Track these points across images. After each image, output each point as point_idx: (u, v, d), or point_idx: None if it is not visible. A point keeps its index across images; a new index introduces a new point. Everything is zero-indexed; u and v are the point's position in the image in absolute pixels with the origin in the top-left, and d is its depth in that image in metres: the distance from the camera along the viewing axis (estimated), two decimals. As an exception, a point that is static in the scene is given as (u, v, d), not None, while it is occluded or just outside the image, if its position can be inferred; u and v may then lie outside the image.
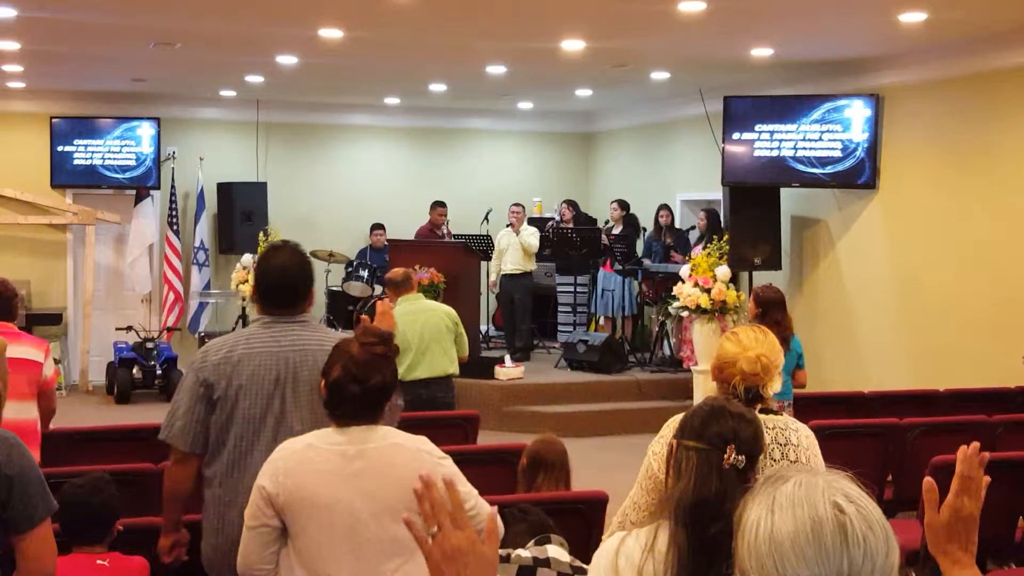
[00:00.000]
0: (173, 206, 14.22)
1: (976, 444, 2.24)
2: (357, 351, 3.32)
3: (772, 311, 7.38)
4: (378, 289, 12.86)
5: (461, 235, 13.75)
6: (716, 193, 12.63)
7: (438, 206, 13.49)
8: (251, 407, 3.85)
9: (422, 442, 3.32)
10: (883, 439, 6.85)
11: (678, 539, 2.48)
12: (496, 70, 11.65)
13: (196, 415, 3.89)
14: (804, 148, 10.98)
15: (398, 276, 8.12)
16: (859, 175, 10.75)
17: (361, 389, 3.26)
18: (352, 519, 3.18)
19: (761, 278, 11.15)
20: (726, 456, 2.52)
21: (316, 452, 3.24)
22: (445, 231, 13.56)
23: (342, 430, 3.28)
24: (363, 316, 4.50)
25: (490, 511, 2.03)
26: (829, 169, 10.89)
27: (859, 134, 10.71)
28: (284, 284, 4.00)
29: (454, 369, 8.03)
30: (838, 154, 10.83)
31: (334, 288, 13.96)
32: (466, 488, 3.28)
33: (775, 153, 11.14)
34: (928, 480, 2.13)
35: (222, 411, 3.88)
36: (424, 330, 7.75)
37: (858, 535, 1.59)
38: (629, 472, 3.88)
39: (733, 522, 2.45)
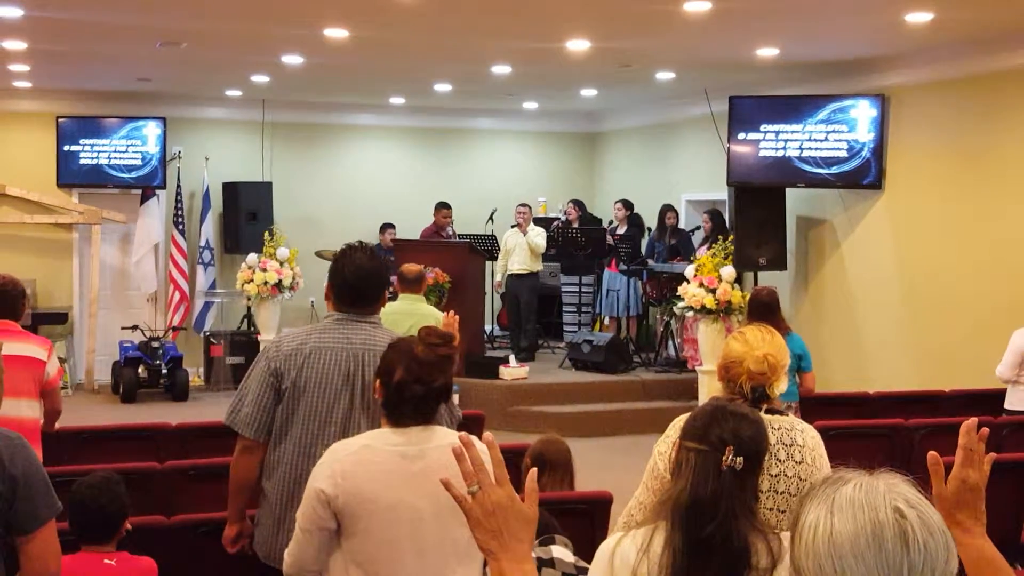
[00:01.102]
0: (179, 205, 14.23)
1: (975, 419, 2.32)
2: (422, 352, 3.30)
3: (751, 315, 7.38)
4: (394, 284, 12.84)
5: (466, 235, 13.75)
6: (721, 193, 12.62)
7: (442, 208, 13.47)
8: (318, 400, 3.86)
9: (476, 440, 3.32)
10: (888, 440, 6.86)
11: (673, 540, 2.49)
12: (501, 70, 11.65)
13: (263, 403, 3.92)
14: (810, 148, 10.97)
15: (412, 273, 8.03)
16: (865, 175, 10.74)
17: (425, 390, 3.24)
18: (415, 520, 3.17)
19: (766, 278, 11.15)
20: (724, 457, 2.53)
21: (375, 453, 3.21)
22: (450, 232, 13.56)
23: (400, 431, 3.25)
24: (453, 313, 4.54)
25: (531, 471, 2.06)
26: (835, 169, 10.88)
27: (865, 134, 10.70)
28: (361, 284, 4.05)
29: None
30: (844, 154, 10.82)
31: (449, 311, 13.86)
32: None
33: (780, 153, 11.13)
34: (932, 454, 2.19)
35: (289, 401, 3.89)
36: (411, 333, 7.69)
37: (919, 541, 1.59)
38: (634, 472, 3.89)
39: (728, 522, 2.47)
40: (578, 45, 9.86)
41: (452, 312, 4.73)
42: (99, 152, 13.95)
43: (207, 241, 14.30)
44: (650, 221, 13.70)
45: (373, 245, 4.28)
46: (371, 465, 3.19)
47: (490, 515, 1.93)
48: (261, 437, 3.93)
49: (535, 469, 2.07)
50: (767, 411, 3.60)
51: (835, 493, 1.66)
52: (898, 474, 1.68)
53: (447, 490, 1.98)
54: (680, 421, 2.82)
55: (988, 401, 8.11)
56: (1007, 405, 7.77)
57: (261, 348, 4.04)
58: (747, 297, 10.94)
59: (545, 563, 3.43)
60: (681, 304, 11.16)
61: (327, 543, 3.22)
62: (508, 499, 1.94)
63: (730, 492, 2.51)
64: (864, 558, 1.59)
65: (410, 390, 3.24)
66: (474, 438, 2.36)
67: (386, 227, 14.50)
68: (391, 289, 7.23)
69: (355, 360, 3.91)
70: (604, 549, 2.63)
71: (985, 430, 2.32)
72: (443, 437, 3.26)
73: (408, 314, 7.77)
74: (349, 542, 3.19)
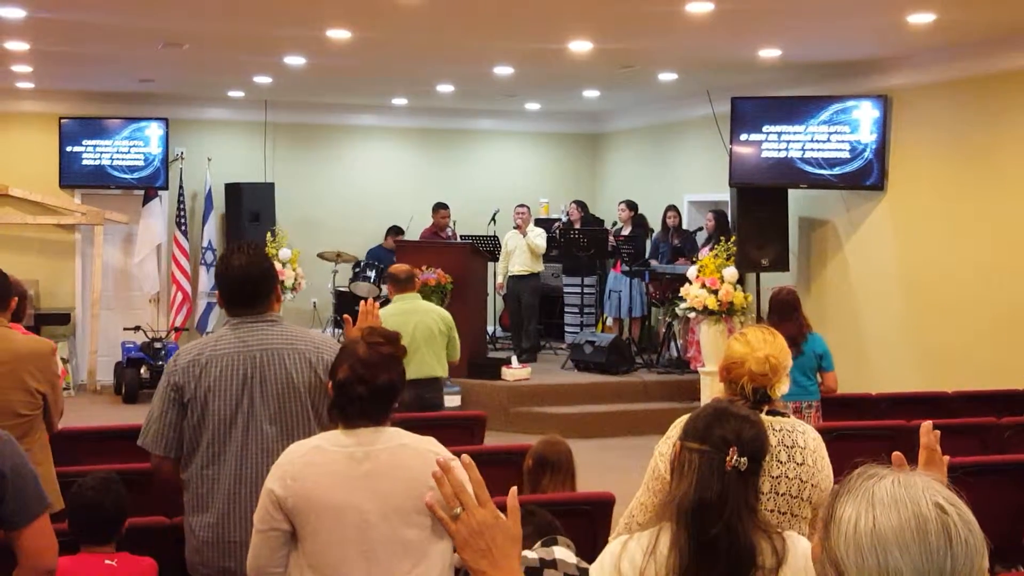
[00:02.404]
0: (181, 206, 14.24)
1: (930, 422, 2.42)
2: (363, 351, 3.30)
3: (772, 315, 7.44)
4: (385, 289, 12.85)
5: (468, 236, 13.74)
6: (724, 194, 12.62)
7: (440, 208, 13.44)
8: (221, 408, 3.86)
9: (430, 443, 3.32)
10: (891, 441, 6.82)
11: (679, 541, 2.49)
12: (503, 71, 11.65)
13: (168, 420, 3.90)
14: (812, 149, 10.97)
15: (401, 273, 8.06)
16: (867, 176, 10.73)
17: (368, 389, 3.24)
18: (361, 521, 3.17)
19: (768, 279, 11.15)
20: (728, 458, 2.52)
21: (323, 454, 3.22)
22: (450, 232, 13.55)
23: (349, 432, 3.25)
24: (346, 316, 4.54)
25: (511, 489, 2.07)
26: (837, 170, 10.87)
27: (867, 135, 10.69)
28: (244, 284, 4.02)
29: (442, 372, 8.02)
30: (846, 155, 10.82)
31: (341, 288, 13.97)
32: None
33: (783, 154, 11.12)
34: (896, 454, 2.20)
35: (193, 413, 3.88)
36: (416, 332, 7.70)
37: (961, 536, 1.62)
38: (635, 473, 3.88)
39: (734, 523, 2.47)
40: (580, 46, 9.85)
41: (369, 300, 4.69)
42: (102, 153, 13.95)
43: (209, 242, 14.31)
44: (654, 222, 13.69)
45: (255, 244, 4.25)
46: (319, 467, 3.20)
47: (477, 535, 1.95)
48: (171, 453, 3.92)
49: (515, 488, 2.06)
50: (769, 412, 3.60)
51: (873, 487, 1.68)
52: (930, 474, 1.72)
53: (432, 512, 1.99)
54: (681, 422, 2.81)
55: (991, 402, 8.10)
56: None
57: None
58: (749, 299, 10.97)
59: (548, 564, 3.43)
60: (683, 305, 11.15)
61: (283, 545, 3.23)
62: (492, 518, 1.96)
63: (735, 492, 2.51)
64: (909, 550, 1.61)
65: (353, 390, 3.24)
66: (454, 461, 2.39)
67: (392, 231, 14.50)
68: (383, 294, 7.22)
69: (251, 362, 3.89)
70: (610, 552, 2.63)
71: (938, 432, 2.40)
72: (391, 438, 3.26)
73: (408, 313, 7.78)
74: (303, 545, 3.20)
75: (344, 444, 3.23)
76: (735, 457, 2.52)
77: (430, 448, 3.29)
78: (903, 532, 1.62)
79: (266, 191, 14.42)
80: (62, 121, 13.84)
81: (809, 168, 11.00)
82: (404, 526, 3.16)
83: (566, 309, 14.66)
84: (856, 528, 1.65)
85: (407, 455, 3.24)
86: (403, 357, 3.42)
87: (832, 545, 1.68)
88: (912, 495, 1.65)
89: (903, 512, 1.63)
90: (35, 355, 4.96)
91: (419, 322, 7.83)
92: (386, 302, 8.17)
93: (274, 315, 4.09)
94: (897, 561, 1.61)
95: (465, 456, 2.11)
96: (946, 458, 2.35)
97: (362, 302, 4.73)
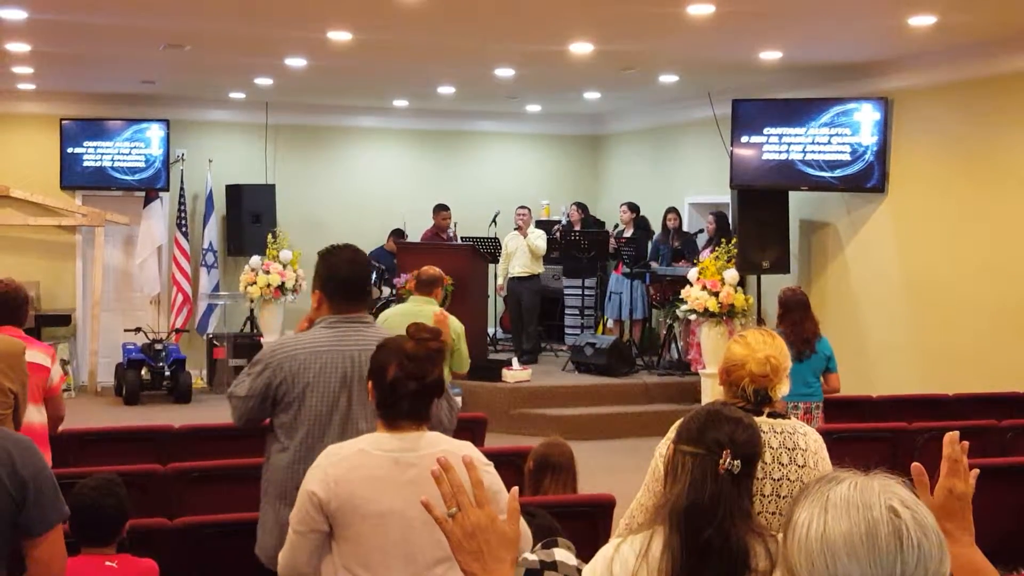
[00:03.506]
0: (182, 208, 14.25)
1: (956, 432, 2.35)
2: (412, 347, 3.27)
3: (793, 313, 7.47)
4: (386, 291, 12.85)
5: (469, 238, 13.74)
6: (724, 196, 12.62)
7: (441, 210, 13.43)
8: (318, 404, 3.89)
9: (468, 447, 3.31)
10: (891, 443, 6.85)
11: (672, 544, 2.48)
12: (504, 73, 11.65)
13: (250, 405, 4.01)
14: (813, 151, 10.97)
15: (427, 275, 7.99)
16: (868, 178, 10.73)
17: (419, 386, 3.22)
18: (405, 527, 3.15)
19: (769, 281, 11.15)
20: (721, 461, 2.52)
21: (369, 458, 3.19)
22: (451, 234, 13.54)
23: (394, 435, 3.23)
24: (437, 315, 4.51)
25: (512, 490, 2.06)
26: (838, 172, 10.87)
27: (868, 137, 10.69)
28: (355, 279, 4.10)
29: (447, 378, 7.97)
30: (847, 157, 10.82)
31: (438, 311, 13.85)
32: (497, 486, 3.26)
33: (784, 156, 11.12)
34: (916, 465, 2.19)
35: (288, 408, 3.92)
36: None
37: (913, 540, 1.59)
38: (636, 475, 3.88)
39: (727, 526, 2.47)
40: (581, 48, 9.86)
41: (442, 311, 4.77)
42: (103, 154, 13.96)
43: (210, 243, 14.31)
44: (655, 224, 13.69)
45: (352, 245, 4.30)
46: (364, 470, 3.18)
47: (470, 537, 1.94)
48: (241, 424, 4.10)
49: (516, 488, 2.06)
50: (770, 415, 3.60)
51: (829, 492, 1.65)
52: (892, 476, 1.69)
53: (428, 512, 1.98)
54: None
55: (992, 404, 8.10)
56: None
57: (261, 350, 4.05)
58: (750, 301, 10.97)
59: (548, 566, 3.42)
60: (684, 307, 11.15)
61: (320, 546, 3.22)
62: (488, 520, 1.95)
63: (728, 495, 2.50)
64: (858, 556, 1.59)
65: (404, 387, 3.22)
66: (474, 454, 2.39)
67: (395, 233, 14.49)
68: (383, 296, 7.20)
69: (351, 361, 3.93)
70: (603, 555, 2.62)
71: (966, 443, 2.35)
72: (434, 444, 3.25)
73: (416, 315, 7.69)
74: (340, 546, 3.19)
75: (388, 448, 3.21)
76: (728, 460, 2.52)
77: (468, 453, 3.28)
78: (851, 536, 1.59)
79: (267, 192, 14.42)
80: (63, 122, 13.85)
81: (810, 170, 11.00)
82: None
83: (567, 311, 14.66)
84: (808, 533, 1.63)
85: (451, 461, 3.23)
86: (446, 353, 3.41)
87: (788, 552, 1.67)
88: (866, 499, 1.62)
89: (853, 516, 1.60)
90: (6, 354, 5.00)
91: None
92: (386, 304, 8.16)
93: (367, 316, 4.12)
94: (846, 567, 1.59)
95: (466, 455, 2.11)
96: (975, 472, 2.31)
97: (434, 313, 4.75)
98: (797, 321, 7.32)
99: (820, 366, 7.44)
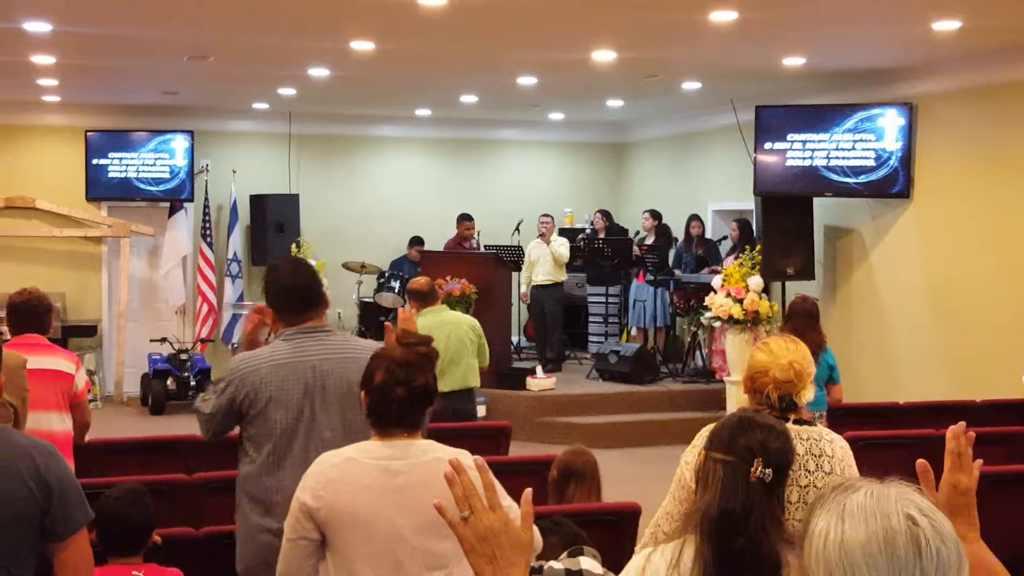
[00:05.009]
0: (206, 218, 14.31)
1: (962, 424, 2.32)
2: (400, 353, 3.27)
3: (794, 320, 7.43)
4: (409, 305, 12.86)
5: (492, 246, 13.74)
6: (748, 203, 12.58)
7: (464, 219, 13.46)
8: (283, 418, 3.92)
9: (463, 455, 3.31)
10: (918, 450, 6.78)
11: (704, 553, 2.46)
12: (527, 81, 11.66)
13: (218, 419, 4.09)
14: (837, 157, 10.92)
15: (423, 287, 8.01)
16: (893, 184, 10.68)
17: (407, 391, 3.21)
18: (395, 535, 3.16)
19: (794, 288, 11.09)
20: (753, 469, 2.50)
21: (358, 466, 3.20)
22: (473, 244, 13.55)
23: (384, 443, 3.23)
24: (387, 323, 4.57)
25: (526, 492, 2.04)
26: (862, 178, 10.82)
27: (892, 143, 10.64)
28: (299, 286, 4.13)
29: (475, 382, 8.06)
30: (871, 163, 10.76)
31: (366, 299, 13.99)
32: (507, 502, 3.26)
33: (807, 163, 11.08)
34: (921, 461, 2.19)
35: (252, 424, 3.97)
36: (449, 342, 7.70)
37: (932, 548, 1.59)
38: (661, 483, 3.87)
39: (759, 535, 2.45)
40: (604, 56, 9.85)
41: (408, 307, 4.81)
42: (127, 165, 14.04)
43: (235, 253, 14.37)
44: (677, 231, 13.67)
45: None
46: (353, 478, 3.18)
47: (483, 540, 1.93)
48: (209, 438, 4.20)
49: (530, 490, 2.04)
50: (795, 421, 3.58)
51: (846, 500, 1.65)
52: (909, 483, 1.68)
53: (440, 515, 1.97)
54: (707, 431, 2.79)
55: (1019, 411, 8.03)
56: None
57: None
58: (775, 308, 10.93)
59: (574, 574, 3.41)
60: (708, 314, 11.12)
61: (312, 554, 3.22)
62: (501, 524, 1.93)
63: (760, 504, 2.48)
64: (876, 564, 1.59)
65: (392, 392, 3.21)
66: (466, 461, 2.38)
67: (414, 241, 14.53)
68: (405, 307, 7.23)
69: (311, 372, 3.97)
70: (634, 566, 2.60)
71: (972, 433, 2.32)
72: (425, 451, 3.24)
73: (439, 325, 7.67)
74: (334, 555, 3.19)
75: (378, 456, 3.21)
76: (759, 468, 2.50)
77: (463, 461, 3.27)
78: (870, 545, 1.59)
79: (291, 202, 14.47)
80: (88, 134, 13.94)
81: (834, 176, 10.95)
82: (436, 539, 3.15)
83: (590, 319, 14.64)
84: (826, 543, 1.63)
85: (441, 468, 3.23)
86: (436, 359, 3.41)
87: (806, 561, 1.67)
88: (883, 507, 1.62)
89: (871, 524, 1.60)
90: (6, 367, 5.04)
91: (451, 332, 7.85)
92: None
93: (327, 325, 4.16)
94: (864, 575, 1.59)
95: (477, 457, 2.10)
96: (978, 462, 2.28)
97: (400, 309, 4.79)
98: (799, 328, 7.14)
99: (823, 376, 7.41)
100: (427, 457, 3.21)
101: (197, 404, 4.16)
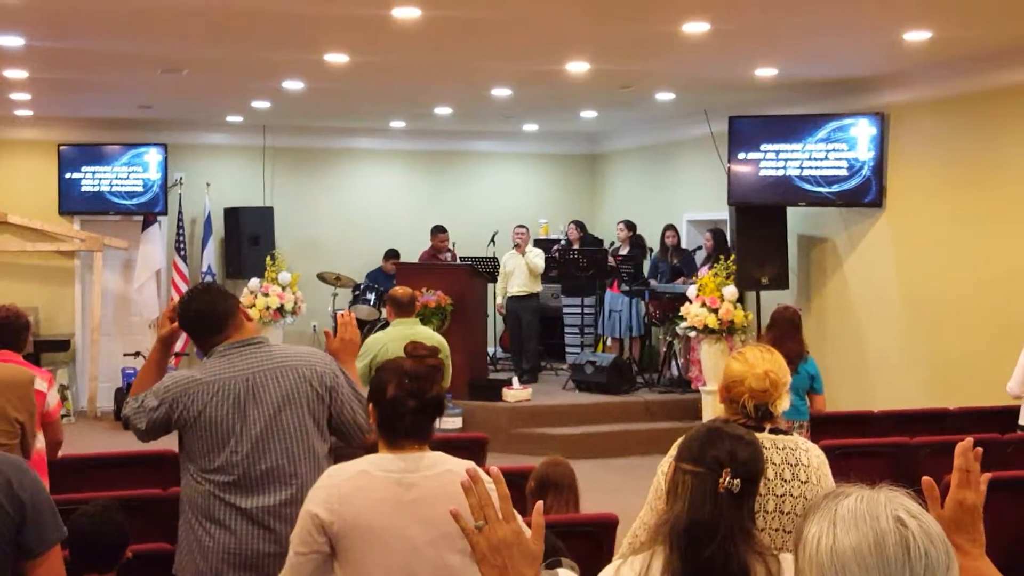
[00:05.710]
0: (180, 231, 14.25)
1: (970, 440, 2.31)
2: (411, 365, 3.27)
3: (776, 329, 7.44)
4: (384, 312, 12.84)
5: (467, 257, 13.74)
6: (722, 213, 12.62)
7: (439, 231, 13.47)
8: (214, 430, 3.92)
9: (483, 474, 3.31)
10: (893, 458, 6.83)
11: (672, 564, 2.46)
12: (501, 92, 11.68)
13: (152, 429, 4.08)
14: (810, 167, 10.98)
15: (403, 297, 8.00)
16: (865, 193, 10.74)
17: (419, 403, 3.21)
18: (408, 549, 3.15)
19: (768, 297, 11.15)
20: (721, 480, 2.50)
21: (370, 480, 3.18)
22: (449, 256, 13.55)
23: (396, 455, 3.22)
24: (326, 330, 4.59)
25: (537, 505, 2.06)
26: (835, 188, 10.88)
27: (865, 152, 10.70)
28: (208, 310, 4.13)
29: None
30: (844, 173, 10.83)
31: (341, 311, 13.92)
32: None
33: (781, 172, 11.14)
34: (927, 479, 2.19)
35: (189, 436, 3.96)
36: None
37: (920, 549, 1.62)
38: (638, 493, 3.87)
39: (727, 545, 2.45)
40: (578, 67, 9.88)
41: (347, 311, 4.80)
42: (100, 179, 13.98)
43: (209, 267, 14.32)
44: (652, 241, 13.70)
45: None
46: (368, 492, 3.16)
47: (496, 551, 1.96)
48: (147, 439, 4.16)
49: (541, 503, 2.06)
50: (772, 431, 3.59)
51: (836, 506, 1.69)
52: (899, 488, 1.71)
53: (456, 522, 1.98)
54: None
55: (993, 418, 8.08)
56: (1021, 421, 7.71)
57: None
58: (749, 317, 10.96)
59: (551, 586, 3.41)
60: (683, 324, 11.15)
61: (320, 567, 3.21)
62: (514, 535, 1.97)
63: (728, 514, 2.48)
64: (867, 567, 1.62)
65: (404, 405, 3.21)
66: (481, 472, 2.38)
67: (390, 254, 14.50)
68: (383, 317, 7.20)
69: (243, 384, 3.96)
70: None
71: (979, 450, 2.30)
72: (436, 464, 3.24)
73: (406, 337, 7.65)
74: (342, 568, 3.18)
75: (390, 470, 3.20)
76: (727, 479, 2.50)
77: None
78: (860, 549, 1.62)
79: (265, 215, 14.43)
80: (61, 148, 13.87)
81: (807, 186, 11.01)
82: (449, 551, 3.14)
83: (566, 329, 14.65)
84: (818, 548, 1.66)
85: (452, 481, 3.22)
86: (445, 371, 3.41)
87: (800, 567, 1.70)
88: (872, 510, 1.65)
89: (862, 528, 1.64)
90: (15, 384, 5.01)
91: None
92: (385, 324, 8.16)
93: (260, 338, 4.16)
94: None
95: (493, 468, 2.11)
96: (985, 476, 2.27)
97: (339, 313, 4.78)
98: (779, 337, 7.09)
99: (804, 385, 7.39)
100: (439, 469, 3.21)
101: (128, 414, 4.15)
